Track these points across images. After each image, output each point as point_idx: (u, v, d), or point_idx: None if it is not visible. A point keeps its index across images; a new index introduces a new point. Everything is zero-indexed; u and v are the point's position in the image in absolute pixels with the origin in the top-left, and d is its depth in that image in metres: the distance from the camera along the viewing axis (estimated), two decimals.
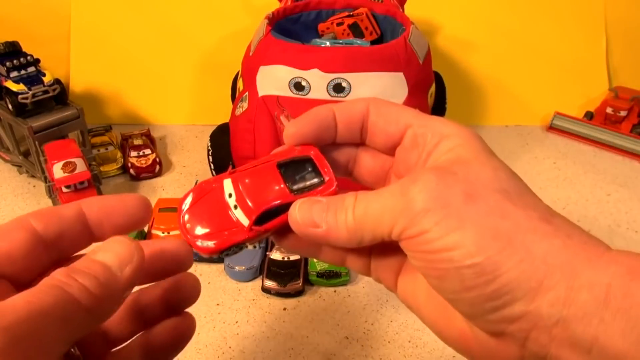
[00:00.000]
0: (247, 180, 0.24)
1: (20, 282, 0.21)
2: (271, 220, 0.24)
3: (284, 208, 0.24)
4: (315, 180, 0.24)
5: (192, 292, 0.26)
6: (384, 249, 0.26)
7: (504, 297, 0.19)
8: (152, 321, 0.25)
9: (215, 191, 0.25)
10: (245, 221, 0.23)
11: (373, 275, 0.27)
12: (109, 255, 0.21)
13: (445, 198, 0.20)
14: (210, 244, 0.23)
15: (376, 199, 0.22)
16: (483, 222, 0.20)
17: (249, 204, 0.24)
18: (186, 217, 0.24)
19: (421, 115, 0.24)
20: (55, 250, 0.22)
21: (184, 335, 0.26)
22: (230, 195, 0.24)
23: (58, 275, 0.19)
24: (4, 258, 0.21)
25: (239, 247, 0.24)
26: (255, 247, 0.55)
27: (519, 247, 0.19)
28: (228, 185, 0.24)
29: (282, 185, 0.24)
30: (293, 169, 0.25)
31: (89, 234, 0.23)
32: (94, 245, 0.23)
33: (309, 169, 0.25)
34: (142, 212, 0.24)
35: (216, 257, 0.24)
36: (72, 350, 0.21)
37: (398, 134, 0.24)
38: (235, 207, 0.24)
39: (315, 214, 0.23)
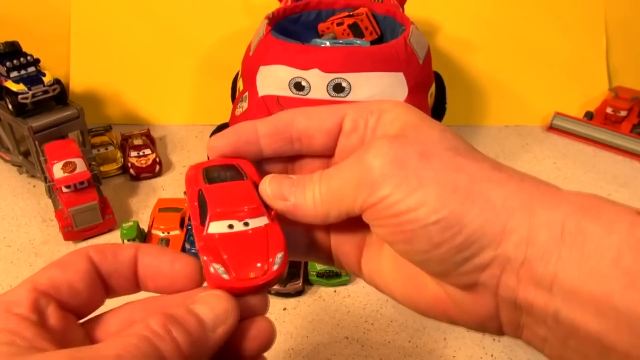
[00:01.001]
0: (224, 203, 0.22)
1: (82, 315, 0.21)
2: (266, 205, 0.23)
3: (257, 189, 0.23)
4: (239, 176, 0.24)
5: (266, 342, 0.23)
6: (342, 231, 0.26)
7: (472, 246, 0.19)
8: None
9: (218, 239, 0.22)
10: (264, 220, 0.22)
11: (335, 262, 0.27)
12: (206, 309, 0.20)
13: (401, 160, 0.20)
14: (279, 255, 0.21)
15: (335, 173, 0.22)
16: (441, 178, 0.20)
17: (245, 208, 0.22)
18: (236, 273, 0.21)
19: (353, 104, 0.25)
20: (108, 288, 0.22)
21: None
22: (231, 226, 0.22)
23: (154, 324, 0.18)
24: (69, 290, 0.20)
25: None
26: None
27: (478, 197, 0.19)
28: (216, 225, 0.22)
29: (249, 186, 0.23)
30: (217, 171, 0.24)
31: (135, 283, 0.23)
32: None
33: (230, 170, 0.24)
34: (187, 281, 0.22)
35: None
36: None
37: (336, 126, 0.24)
38: (246, 224, 0.22)
39: (285, 188, 0.23)
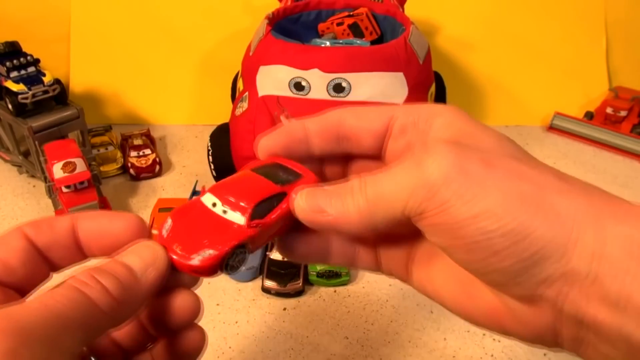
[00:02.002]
0: (227, 188, 0.23)
1: (23, 290, 0.21)
2: (269, 214, 0.22)
3: (277, 200, 0.23)
4: (293, 176, 0.24)
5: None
6: (390, 239, 0.25)
7: (534, 256, 0.18)
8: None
9: (196, 206, 0.22)
10: (240, 220, 0.22)
11: (384, 270, 0.26)
12: (133, 257, 0.21)
13: (463, 166, 0.19)
14: (210, 252, 0.21)
15: (387, 177, 0.21)
16: (506, 186, 0.19)
17: (240, 203, 0.22)
18: (172, 241, 0.21)
19: (402, 105, 0.24)
20: (49, 262, 0.22)
21: (192, 350, 0.25)
22: (214, 205, 0.22)
23: (80, 275, 0.19)
24: (4, 269, 0.21)
25: (242, 252, 0.22)
26: None
27: (545, 207, 0.18)
28: (209, 197, 0.22)
29: (266, 182, 0.23)
30: (269, 171, 0.24)
31: (78, 250, 0.23)
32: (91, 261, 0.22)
33: (284, 170, 0.24)
34: (130, 235, 0.22)
35: (220, 272, 0.21)
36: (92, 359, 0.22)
37: (383, 127, 0.24)
38: (225, 212, 0.22)
39: (321, 200, 0.22)
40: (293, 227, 0.24)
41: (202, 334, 0.25)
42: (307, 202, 0.22)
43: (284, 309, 0.50)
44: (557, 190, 0.19)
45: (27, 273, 0.21)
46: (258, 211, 0.22)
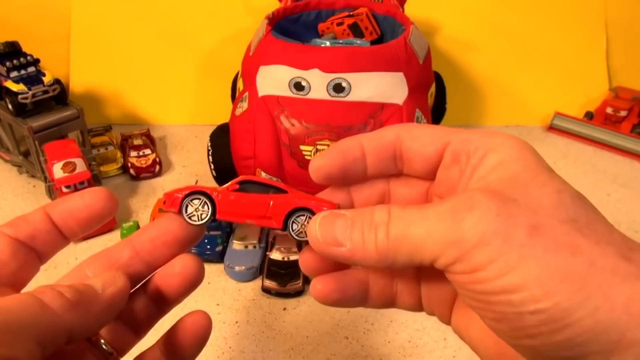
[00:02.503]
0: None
1: (17, 288, 0.22)
2: (254, 193, 0.24)
3: (273, 192, 0.24)
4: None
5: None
6: (435, 279, 0.24)
7: (576, 348, 0.16)
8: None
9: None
10: (225, 185, 0.24)
11: (426, 309, 0.25)
12: (94, 280, 0.22)
13: (506, 231, 0.17)
14: (177, 195, 0.24)
15: (419, 220, 0.19)
16: (550, 259, 0.16)
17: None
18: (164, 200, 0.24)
19: (460, 130, 0.22)
20: (35, 253, 0.23)
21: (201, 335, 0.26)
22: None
23: (39, 287, 0.19)
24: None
25: (202, 200, 0.24)
26: (255, 247, 0.55)
27: (594, 292, 0.16)
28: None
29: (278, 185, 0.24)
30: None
31: (59, 233, 0.23)
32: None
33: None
34: (103, 204, 0.24)
35: (200, 221, 0.24)
36: (105, 346, 0.23)
37: (436, 154, 0.22)
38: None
39: (339, 231, 0.20)
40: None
41: (207, 315, 0.27)
42: (322, 232, 0.20)
43: (284, 309, 0.50)
44: (615, 273, 0.16)
45: (19, 265, 0.22)
46: (247, 185, 0.24)
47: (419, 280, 0.24)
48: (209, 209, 0.24)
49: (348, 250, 0.20)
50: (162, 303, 0.25)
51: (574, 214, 0.18)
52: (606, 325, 0.16)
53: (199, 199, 0.24)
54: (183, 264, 0.24)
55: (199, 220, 0.24)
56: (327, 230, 0.20)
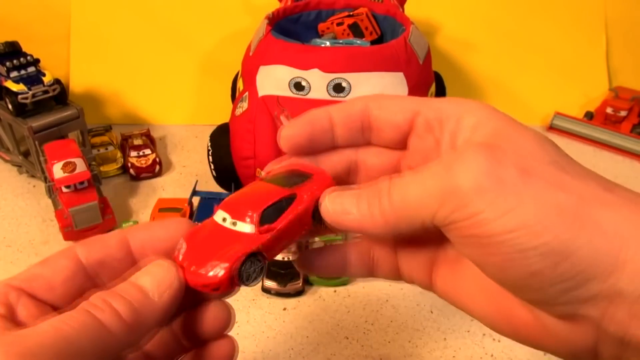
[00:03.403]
0: (235, 201, 0.22)
1: (61, 305, 0.21)
2: (279, 218, 0.22)
3: (287, 203, 0.22)
4: (303, 178, 0.23)
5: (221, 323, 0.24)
6: (411, 245, 0.24)
7: (577, 277, 0.17)
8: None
9: (209, 225, 0.22)
10: (249, 228, 0.21)
11: (405, 277, 0.25)
12: (147, 279, 0.20)
13: (498, 174, 0.18)
14: (220, 266, 0.20)
15: (415, 180, 0.20)
16: (544, 197, 0.17)
17: (247, 212, 0.21)
18: (186, 262, 0.21)
19: (427, 99, 0.22)
20: (97, 277, 0.22)
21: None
22: (224, 220, 0.22)
23: (93, 299, 0.19)
24: (44, 285, 0.21)
25: (256, 260, 0.21)
26: None
27: (587, 222, 0.17)
28: (219, 214, 0.22)
29: (273, 187, 0.23)
30: (278, 177, 0.23)
31: (131, 261, 0.23)
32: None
33: (294, 174, 0.23)
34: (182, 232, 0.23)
35: (239, 285, 0.21)
36: None
37: (406, 123, 0.23)
38: (234, 224, 0.22)
39: (347, 202, 0.21)
40: (312, 231, 0.23)
41: (233, 344, 0.25)
42: (332, 203, 0.21)
43: (284, 309, 0.50)
44: (602, 203, 0.18)
45: (67, 290, 0.21)
46: (267, 216, 0.21)
47: (395, 248, 0.25)
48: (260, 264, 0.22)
49: (356, 218, 0.21)
50: (184, 341, 0.25)
51: (555, 157, 0.19)
52: (601, 250, 0.17)
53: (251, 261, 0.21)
54: (215, 313, 0.23)
55: (256, 277, 0.22)
56: (336, 201, 0.21)
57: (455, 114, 0.21)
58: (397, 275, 0.26)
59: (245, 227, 0.21)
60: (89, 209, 0.57)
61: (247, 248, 0.21)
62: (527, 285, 0.18)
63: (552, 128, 0.83)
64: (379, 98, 0.23)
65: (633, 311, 0.17)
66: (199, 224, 0.23)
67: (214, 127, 0.64)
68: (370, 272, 0.26)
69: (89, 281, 0.22)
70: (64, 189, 0.56)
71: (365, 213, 0.20)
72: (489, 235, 0.18)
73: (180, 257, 0.22)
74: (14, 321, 0.19)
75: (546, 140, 0.20)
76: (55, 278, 0.21)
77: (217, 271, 0.20)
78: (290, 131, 0.24)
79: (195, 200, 0.61)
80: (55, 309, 0.21)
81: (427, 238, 0.24)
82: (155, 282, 0.20)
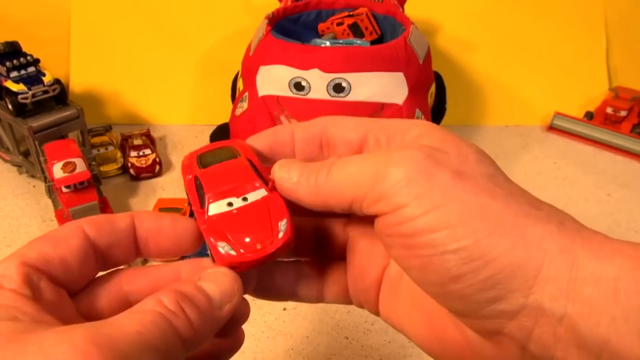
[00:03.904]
0: (220, 184, 0.22)
1: (72, 290, 0.21)
2: (265, 175, 0.23)
3: (254, 166, 0.23)
4: (232, 151, 0.24)
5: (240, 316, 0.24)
6: (359, 267, 0.24)
7: (498, 287, 0.17)
8: None
9: (220, 219, 0.22)
10: (263, 191, 0.22)
11: (354, 300, 0.25)
12: (213, 287, 0.20)
13: (431, 171, 0.18)
14: (283, 224, 0.21)
15: (356, 160, 0.20)
16: (470, 200, 0.17)
17: (249, 183, 0.22)
18: (244, 248, 0.21)
19: (380, 120, 0.23)
20: (102, 260, 0.22)
21: (229, 350, 0.25)
22: (230, 204, 0.22)
23: (166, 302, 0.18)
24: (61, 266, 0.20)
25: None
26: None
27: (510, 231, 0.17)
28: (219, 204, 0.22)
29: (230, 161, 0.23)
30: (215, 154, 0.24)
31: (135, 250, 0.22)
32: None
33: (217, 150, 0.24)
34: (189, 241, 0.23)
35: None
36: None
37: (358, 139, 0.23)
38: (245, 199, 0.22)
39: (293, 169, 0.22)
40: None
41: (242, 336, 0.25)
42: (280, 169, 0.23)
43: (284, 309, 0.50)
44: (528, 216, 0.17)
45: (81, 272, 0.21)
46: (261, 177, 0.23)
47: (345, 271, 0.25)
48: None
49: (294, 184, 0.22)
50: None
51: (492, 171, 0.19)
52: (522, 262, 0.17)
53: None
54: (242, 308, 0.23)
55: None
56: (283, 168, 0.22)
57: (401, 130, 0.22)
58: (346, 299, 0.26)
59: (257, 193, 0.22)
60: (89, 209, 0.57)
61: (280, 201, 0.22)
62: (449, 292, 0.18)
63: (552, 128, 0.83)
64: (338, 118, 0.24)
65: (558, 333, 0.16)
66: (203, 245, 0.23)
67: (214, 127, 0.64)
68: (321, 296, 0.26)
69: (99, 263, 0.22)
70: (64, 189, 0.56)
71: (303, 182, 0.21)
72: (412, 233, 0.18)
73: (236, 253, 0.21)
74: (42, 303, 0.18)
75: (487, 156, 0.20)
76: (71, 260, 0.20)
77: (282, 228, 0.21)
78: (254, 141, 0.25)
79: None
80: (70, 291, 0.21)
81: (373, 260, 0.24)
82: (220, 292, 0.20)
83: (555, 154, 0.78)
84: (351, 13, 0.65)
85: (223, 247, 0.21)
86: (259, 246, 0.21)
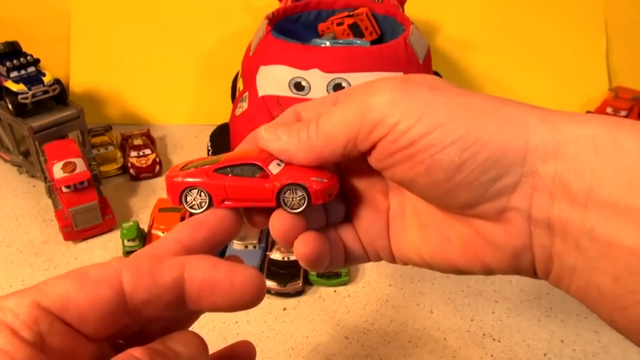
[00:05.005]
0: (240, 159, 0.24)
1: (92, 338, 0.19)
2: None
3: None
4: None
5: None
6: (367, 222, 0.26)
7: (496, 164, 0.19)
8: None
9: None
10: (279, 165, 0.24)
11: (370, 251, 0.26)
12: (183, 349, 0.19)
13: (408, 90, 0.20)
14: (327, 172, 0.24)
15: (340, 108, 0.22)
16: (452, 101, 0.20)
17: (267, 160, 0.24)
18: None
19: (346, 90, 0.26)
20: (134, 315, 0.19)
21: None
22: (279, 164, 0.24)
23: (137, 353, 0.17)
24: (77, 316, 0.18)
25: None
26: (255, 247, 0.55)
27: (493, 114, 0.19)
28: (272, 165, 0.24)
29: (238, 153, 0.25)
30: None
31: (178, 306, 0.20)
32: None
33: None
34: (249, 297, 0.20)
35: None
36: None
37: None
38: (279, 164, 0.24)
39: (280, 130, 0.23)
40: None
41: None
42: (266, 132, 0.24)
43: (284, 309, 0.50)
44: (503, 102, 0.20)
45: (101, 326, 0.19)
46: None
47: (357, 233, 0.26)
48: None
49: (284, 142, 0.23)
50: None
51: (463, 89, 0.22)
52: (512, 137, 0.19)
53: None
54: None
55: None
56: (269, 130, 0.23)
57: (366, 84, 0.23)
58: (367, 257, 0.27)
59: (276, 167, 0.24)
60: (89, 209, 0.57)
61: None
62: (456, 185, 0.20)
63: None
64: (305, 102, 0.26)
65: (553, 192, 0.19)
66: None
67: (214, 127, 0.64)
68: (347, 261, 0.27)
69: (127, 317, 0.19)
70: (64, 189, 0.56)
71: (294, 139, 0.23)
72: (409, 144, 0.20)
73: (326, 180, 0.23)
74: (43, 350, 0.17)
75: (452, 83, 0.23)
76: (91, 312, 0.18)
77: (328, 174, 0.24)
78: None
79: None
80: (88, 337, 0.19)
81: (376, 205, 0.25)
82: (189, 356, 0.19)
83: None
84: (351, 13, 0.65)
85: (314, 181, 0.23)
86: (325, 180, 0.23)
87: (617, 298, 0.18)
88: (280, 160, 0.24)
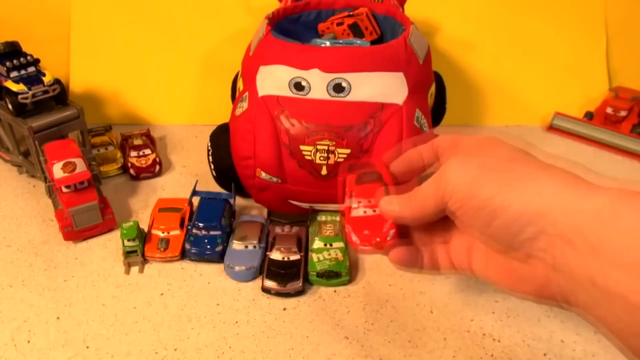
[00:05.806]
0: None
1: None
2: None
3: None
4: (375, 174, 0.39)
5: None
6: (457, 247, 0.35)
7: (516, 222, 0.26)
8: None
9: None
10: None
11: (458, 268, 0.35)
12: None
13: (476, 180, 0.29)
14: (392, 233, 0.35)
15: (422, 187, 0.32)
16: (500, 177, 0.28)
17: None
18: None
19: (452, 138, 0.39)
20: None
21: None
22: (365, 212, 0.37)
23: None
24: None
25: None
26: (255, 247, 0.55)
27: (516, 187, 0.27)
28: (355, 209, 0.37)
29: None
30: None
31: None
32: None
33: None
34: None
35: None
36: None
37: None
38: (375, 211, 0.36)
39: (394, 202, 0.34)
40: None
41: None
42: (385, 203, 0.35)
43: (284, 309, 0.50)
44: (531, 178, 0.27)
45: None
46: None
47: (448, 247, 0.35)
48: None
49: (396, 210, 0.34)
50: None
51: (517, 155, 0.32)
52: (527, 204, 0.26)
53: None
54: None
55: None
56: (386, 202, 0.35)
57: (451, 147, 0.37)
58: (454, 268, 0.35)
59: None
60: (89, 209, 0.57)
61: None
62: (489, 236, 0.29)
63: (552, 128, 0.83)
64: (450, 137, 0.39)
65: (562, 246, 0.25)
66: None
67: (214, 127, 0.64)
68: (437, 267, 0.36)
69: None
70: (64, 189, 0.56)
71: (403, 208, 0.34)
72: (477, 209, 0.29)
73: (359, 240, 0.36)
74: None
75: (501, 141, 0.34)
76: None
77: (391, 234, 0.35)
78: (394, 167, 0.39)
79: (195, 200, 0.61)
80: None
81: (465, 243, 0.34)
82: None
83: (555, 154, 0.78)
84: (351, 13, 0.65)
85: (357, 237, 0.35)
86: (377, 240, 0.35)
87: (620, 330, 0.23)
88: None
